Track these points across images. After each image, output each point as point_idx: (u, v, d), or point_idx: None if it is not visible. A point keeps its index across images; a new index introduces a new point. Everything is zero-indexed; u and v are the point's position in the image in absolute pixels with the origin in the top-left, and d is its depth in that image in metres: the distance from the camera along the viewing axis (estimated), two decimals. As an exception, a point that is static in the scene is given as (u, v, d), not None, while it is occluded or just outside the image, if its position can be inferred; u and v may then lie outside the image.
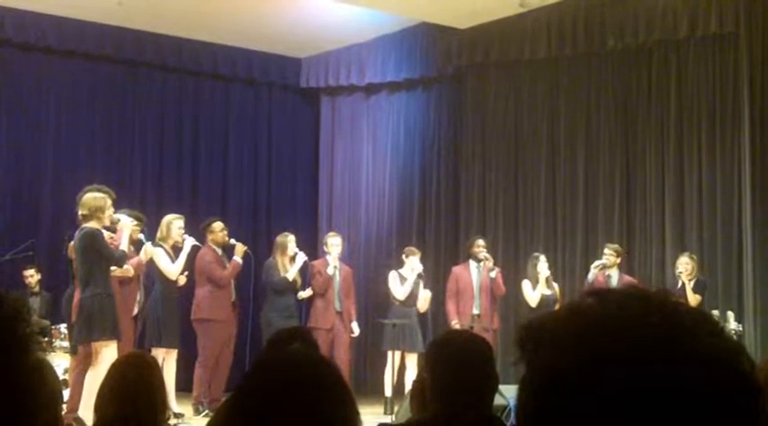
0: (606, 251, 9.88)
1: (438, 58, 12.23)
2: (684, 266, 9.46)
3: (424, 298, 10.51)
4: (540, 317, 0.93)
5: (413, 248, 10.83)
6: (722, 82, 10.12)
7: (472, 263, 10.45)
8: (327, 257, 10.50)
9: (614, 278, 9.80)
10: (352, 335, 10.54)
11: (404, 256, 10.64)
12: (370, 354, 11.31)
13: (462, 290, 10.36)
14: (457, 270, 10.62)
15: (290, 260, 10.16)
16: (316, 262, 10.68)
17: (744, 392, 0.86)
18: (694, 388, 0.83)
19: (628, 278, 9.90)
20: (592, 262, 10.26)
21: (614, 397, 0.83)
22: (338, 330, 10.37)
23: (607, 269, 9.83)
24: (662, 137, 10.55)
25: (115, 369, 3.32)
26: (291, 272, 10.07)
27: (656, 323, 0.86)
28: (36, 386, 1.29)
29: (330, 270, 10.36)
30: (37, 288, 10.73)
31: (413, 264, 10.48)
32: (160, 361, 8.75)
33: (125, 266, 8.16)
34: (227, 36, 12.46)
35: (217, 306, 9.58)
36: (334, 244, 10.48)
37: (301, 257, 10.15)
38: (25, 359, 1.28)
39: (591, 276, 9.79)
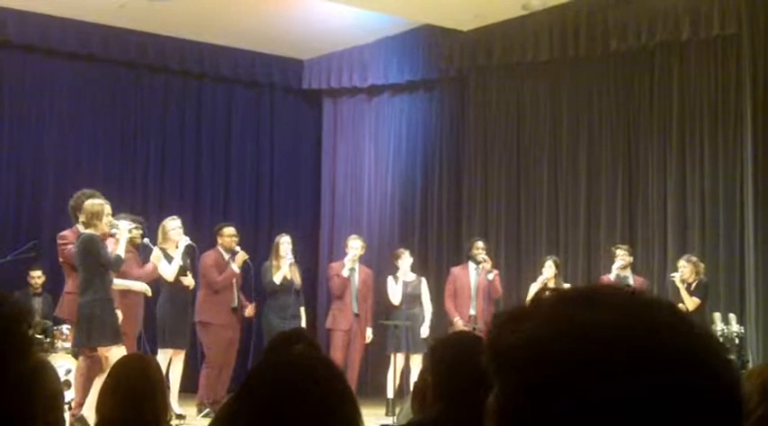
0: (621, 252, 9.87)
1: (440, 60, 12.22)
2: (682, 269, 9.45)
3: (426, 299, 10.55)
4: (513, 329, 0.90)
5: (400, 250, 10.86)
6: (724, 83, 10.12)
7: (471, 265, 10.48)
8: (345, 260, 10.58)
9: (629, 279, 9.79)
10: (366, 342, 10.57)
11: (394, 260, 10.72)
12: (372, 356, 11.30)
13: (459, 291, 10.40)
14: (455, 271, 10.66)
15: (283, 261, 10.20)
16: (334, 264, 10.81)
17: (722, 385, 0.85)
18: (672, 386, 0.82)
19: (640, 279, 9.87)
20: (593, 265, 10.25)
21: (594, 402, 0.82)
22: (354, 332, 10.39)
23: (623, 269, 9.85)
24: (664, 138, 10.55)
25: (116, 370, 3.32)
26: (278, 275, 10.06)
27: (632, 323, 0.85)
28: (36, 386, 1.29)
29: (345, 272, 10.40)
30: (40, 290, 10.74)
31: (401, 266, 10.53)
32: (167, 362, 8.78)
33: (142, 285, 8.21)
34: (229, 38, 12.46)
35: (215, 310, 9.59)
36: (352, 247, 10.56)
37: (288, 258, 10.14)
38: (25, 360, 1.28)
39: (613, 276, 9.80)
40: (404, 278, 10.54)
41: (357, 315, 10.44)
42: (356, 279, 10.50)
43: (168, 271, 9.11)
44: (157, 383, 3.29)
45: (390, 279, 10.62)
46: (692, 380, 0.83)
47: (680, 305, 9.13)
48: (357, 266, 10.57)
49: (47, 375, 1.35)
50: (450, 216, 12.36)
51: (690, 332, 0.87)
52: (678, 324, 0.87)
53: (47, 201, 11.51)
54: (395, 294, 10.50)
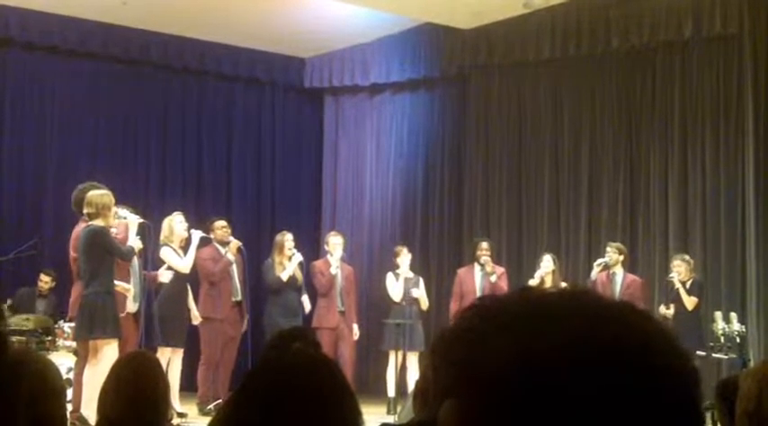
0: (608, 249, 9.87)
1: (442, 59, 12.22)
2: (677, 269, 9.44)
3: (420, 297, 10.54)
4: (470, 342, 0.88)
5: (399, 247, 10.84)
6: (726, 83, 10.12)
7: (477, 266, 10.47)
8: (329, 257, 10.53)
9: (619, 276, 9.76)
10: (354, 338, 10.57)
11: (394, 257, 10.71)
12: (372, 354, 11.30)
13: (466, 293, 10.37)
14: (461, 272, 10.64)
15: (287, 258, 10.20)
16: (317, 263, 10.70)
17: (682, 385, 0.85)
18: (630, 386, 0.82)
19: (632, 276, 9.86)
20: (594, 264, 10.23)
21: (548, 408, 0.81)
22: (342, 329, 10.39)
23: (610, 267, 9.81)
24: (666, 138, 10.55)
25: (117, 369, 3.32)
26: (286, 273, 10.09)
27: (584, 325, 0.84)
28: (12, 381, 1.29)
29: (333, 271, 10.38)
30: (47, 293, 10.71)
31: (402, 263, 10.54)
32: (166, 361, 8.79)
33: (126, 285, 8.19)
34: (231, 36, 12.46)
35: (214, 305, 9.62)
36: (336, 244, 10.51)
37: (297, 257, 10.18)
38: None
39: (593, 275, 9.78)
40: (405, 275, 10.55)
41: (343, 313, 10.44)
42: (339, 276, 10.50)
43: (183, 264, 9.23)
44: (159, 381, 3.29)
45: (390, 275, 10.62)
46: (651, 381, 0.83)
47: (666, 307, 9.21)
48: (340, 263, 10.57)
49: (25, 372, 1.35)
50: (451, 214, 12.36)
51: (650, 329, 0.86)
52: (634, 323, 0.86)
53: (48, 199, 11.52)
54: (396, 291, 10.50)
